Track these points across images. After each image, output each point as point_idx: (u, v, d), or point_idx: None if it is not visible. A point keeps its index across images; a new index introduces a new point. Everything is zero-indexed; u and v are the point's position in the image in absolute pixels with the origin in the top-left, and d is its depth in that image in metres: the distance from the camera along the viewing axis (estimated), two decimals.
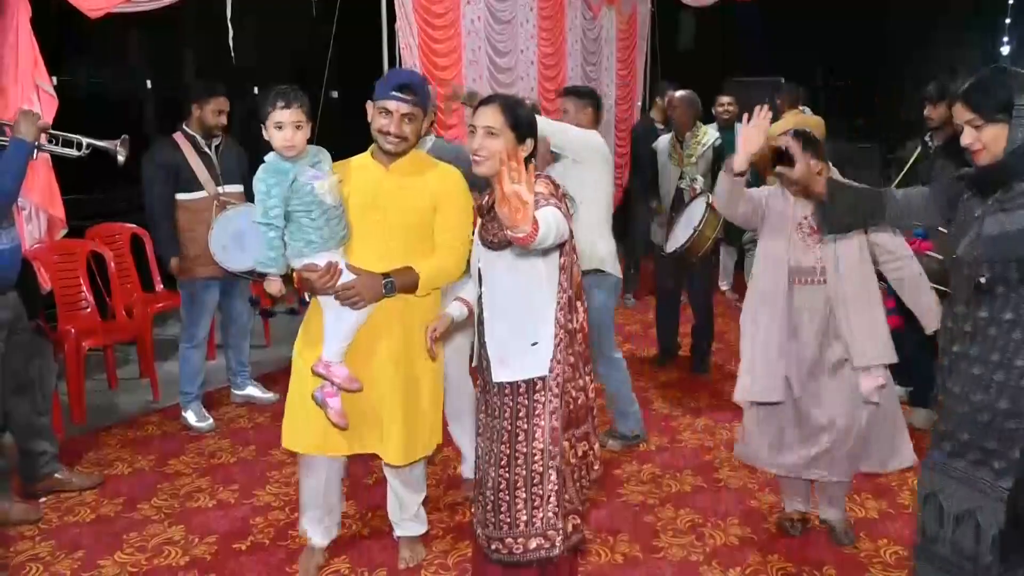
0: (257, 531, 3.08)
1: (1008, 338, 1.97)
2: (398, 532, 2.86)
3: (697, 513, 3.18)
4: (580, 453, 2.23)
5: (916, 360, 3.98)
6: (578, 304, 2.19)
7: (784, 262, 2.70)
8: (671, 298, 4.95)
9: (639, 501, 3.28)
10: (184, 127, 3.91)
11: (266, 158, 2.37)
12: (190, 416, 4.06)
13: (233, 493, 3.38)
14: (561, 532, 2.16)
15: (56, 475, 3.36)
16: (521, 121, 2.14)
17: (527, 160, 2.15)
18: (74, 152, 3.27)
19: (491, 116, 2.13)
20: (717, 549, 2.92)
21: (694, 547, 2.93)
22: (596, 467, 2.30)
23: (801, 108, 6.26)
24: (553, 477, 2.14)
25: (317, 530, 2.79)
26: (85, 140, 3.27)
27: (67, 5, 3.60)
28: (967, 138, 1.98)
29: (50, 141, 3.25)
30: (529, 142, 2.16)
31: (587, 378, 2.24)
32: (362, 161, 2.54)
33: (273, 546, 2.95)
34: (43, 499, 3.28)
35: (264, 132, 2.36)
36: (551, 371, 2.13)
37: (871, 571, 2.77)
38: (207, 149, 3.91)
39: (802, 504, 3.00)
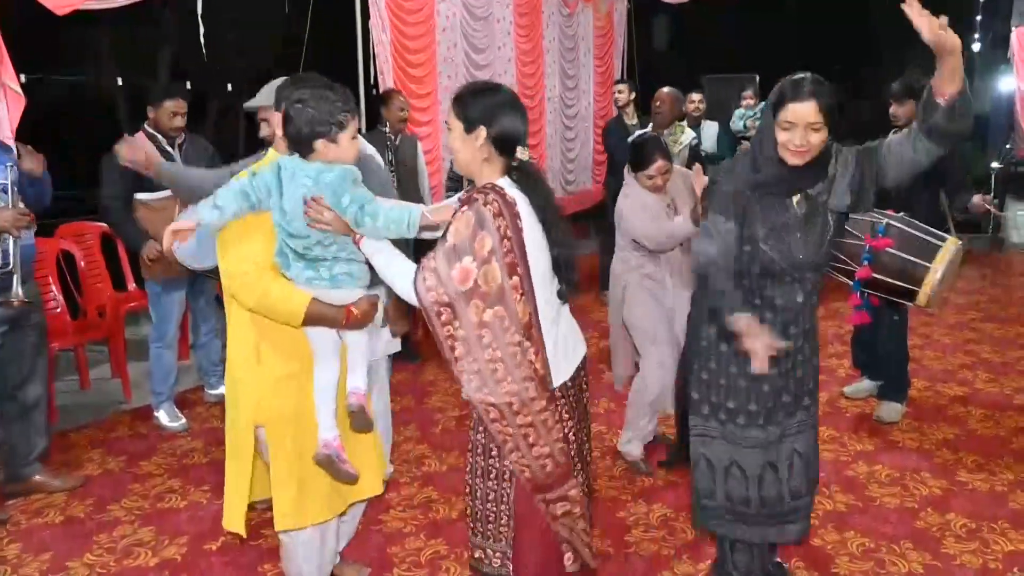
0: (228, 531, 3.06)
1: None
2: None
3: (668, 507, 3.20)
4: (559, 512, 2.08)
5: (886, 355, 4.04)
6: (527, 343, 1.90)
7: None
8: None
9: (611, 496, 3.30)
10: (145, 127, 3.88)
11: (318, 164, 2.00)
12: (162, 416, 4.03)
13: (205, 493, 3.36)
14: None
15: (36, 476, 3.33)
16: (469, 109, 1.93)
17: (500, 148, 1.94)
18: None
19: (450, 110, 2.00)
20: (688, 543, 2.95)
21: (665, 542, 2.96)
22: (580, 525, 2.11)
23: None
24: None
25: None
26: None
27: (33, 1, 3.55)
28: (797, 139, 2.07)
29: None
30: (481, 129, 1.91)
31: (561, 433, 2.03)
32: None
33: (244, 546, 2.94)
34: (11, 500, 3.25)
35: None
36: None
37: (837, 562, 2.81)
38: (169, 148, 3.86)
39: None
